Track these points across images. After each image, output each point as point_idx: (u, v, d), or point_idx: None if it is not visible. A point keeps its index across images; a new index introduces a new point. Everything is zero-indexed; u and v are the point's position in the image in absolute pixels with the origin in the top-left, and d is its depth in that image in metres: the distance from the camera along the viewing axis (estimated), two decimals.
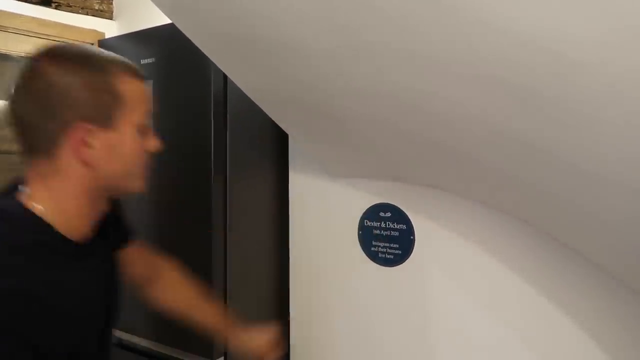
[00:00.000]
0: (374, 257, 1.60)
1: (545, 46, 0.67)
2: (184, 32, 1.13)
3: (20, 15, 2.19)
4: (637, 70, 0.62)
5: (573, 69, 0.68)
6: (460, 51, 0.78)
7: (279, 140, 1.78)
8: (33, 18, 2.23)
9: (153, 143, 0.89)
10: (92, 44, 2.46)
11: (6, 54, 2.19)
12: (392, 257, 1.57)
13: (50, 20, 2.29)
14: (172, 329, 1.61)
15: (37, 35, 2.26)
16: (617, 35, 0.60)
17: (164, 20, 1.56)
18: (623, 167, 0.80)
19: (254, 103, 1.36)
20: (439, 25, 0.74)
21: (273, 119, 1.45)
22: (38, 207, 0.74)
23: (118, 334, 1.75)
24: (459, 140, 1.09)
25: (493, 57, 0.75)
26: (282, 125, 1.49)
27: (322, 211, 1.71)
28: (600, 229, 1.06)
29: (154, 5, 1.09)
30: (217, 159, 1.54)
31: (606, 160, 0.82)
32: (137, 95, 0.83)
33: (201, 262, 1.53)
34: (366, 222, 1.61)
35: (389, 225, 1.57)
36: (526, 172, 1.04)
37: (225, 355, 1.55)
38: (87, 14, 2.46)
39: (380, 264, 1.59)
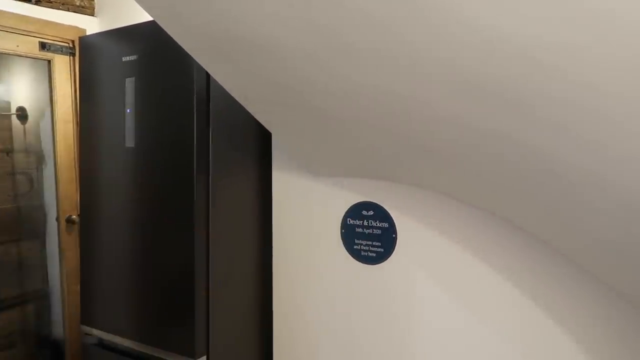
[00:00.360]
0: (356, 255, 1.61)
1: (525, 49, 0.68)
2: (166, 30, 1.13)
3: (0, 11, 2.15)
4: (613, 73, 0.64)
5: (552, 73, 0.69)
6: (441, 53, 0.79)
7: (262, 139, 1.78)
8: (13, 14, 2.19)
9: None
10: (73, 41, 2.43)
11: None
12: (374, 255, 1.58)
13: (30, 17, 2.26)
14: (154, 329, 1.60)
15: (17, 32, 2.23)
16: (592, 40, 0.61)
17: (146, 17, 1.55)
18: (605, 170, 0.82)
19: (237, 101, 1.36)
20: (419, 27, 0.75)
21: (256, 117, 1.45)
22: None
23: (99, 334, 1.74)
24: (441, 141, 1.11)
25: (474, 59, 0.76)
26: (265, 124, 1.49)
27: (305, 210, 1.72)
28: (581, 228, 1.08)
29: (136, 2, 1.08)
30: (199, 157, 1.54)
31: (589, 162, 0.83)
32: None
33: (183, 261, 1.53)
34: (349, 221, 1.62)
35: (371, 223, 1.58)
36: (508, 172, 1.06)
37: (207, 354, 1.54)
38: (68, 10, 2.43)
39: (363, 262, 1.60)
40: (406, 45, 0.81)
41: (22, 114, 2.59)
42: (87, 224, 1.81)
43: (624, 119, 0.69)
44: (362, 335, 1.62)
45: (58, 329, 2.51)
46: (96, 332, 1.75)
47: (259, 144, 1.78)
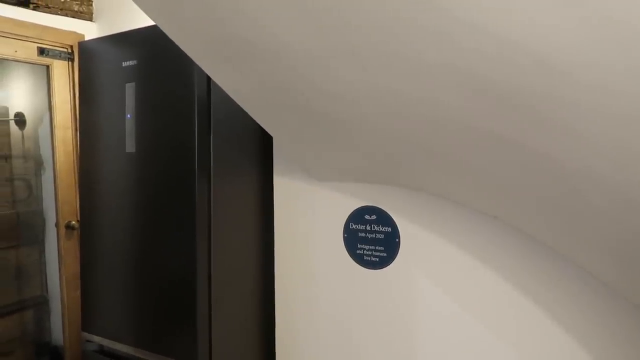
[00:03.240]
0: (359, 260, 1.60)
1: (532, 49, 0.68)
2: (167, 34, 1.12)
3: None
4: (619, 75, 0.63)
5: (559, 74, 0.69)
6: (448, 54, 0.78)
7: (263, 143, 1.77)
8: (11, 19, 2.18)
9: None
10: (72, 46, 2.42)
11: None
12: (377, 259, 1.57)
13: (28, 22, 2.25)
14: (156, 335, 1.59)
15: (15, 37, 2.22)
16: (600, 40, 0.61)
17: (145, 22, 1.54)
18: (604, 167, 0.82)
19: (238, 105, 1.35)
20: (425, 27, 0.74)
21: (257, 121, 1.44)
22: None
23: (100, 340, 1.72)
24: (446, 143, 1.10)
25: (481, 60, 0.75)
26: (267, 128, 1.48)
27: (307, 214, 1.71)
28: (583, 230, 1.07)
29: (135, 6, 1.07)
30: (201, 162, 1.52)
31: (589, 161, 0.83)
32: None
33: (185, 267, 1.52)
34: (351, 225, 1.61)
35: (374, 228, 1.57)
36: (513, 176, 1.05)
37: (210, 358, 1.53)
38: (66, 15, 2.42)
39: (366, 267, 1.59)
40: (414, 50, 0.81)
41: (20, 119, 2.58)
42: (87, 229, 1.79)
43: (636, 121, 0.68)
44: (364, 340, 1.61)
45: (58, 336, 2.48)
46: (97, 338, 1.73)
47: (260, 149, 1.77)
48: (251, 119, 1.41)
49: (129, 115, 1.65)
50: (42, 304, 2.55)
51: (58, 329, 2.47)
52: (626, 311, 1.22)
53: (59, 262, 2.40)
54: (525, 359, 1.36)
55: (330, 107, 1.17)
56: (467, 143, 1.04)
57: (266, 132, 1.53)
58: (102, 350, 1.72)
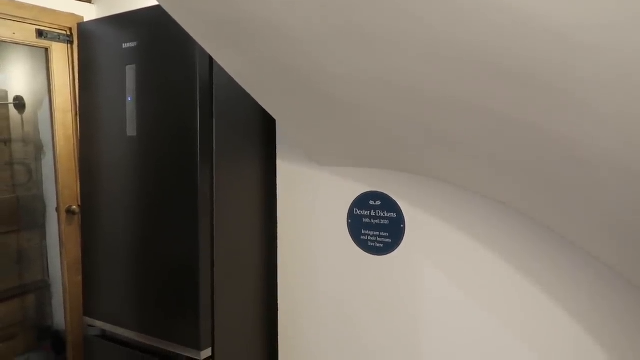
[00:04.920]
0: (363, 246, 1.59)
1: (547, 28, 0.65)
2: (171, 14, 1.09)
3: None
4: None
5: (575, 52, 0.66)
6: (458, 33, 0.75)
7: (267, 127, 1.74)
8: (8, 0, 2.14)
9: None
10: (71, 28, 2.38)
11: None
12: (382, 245, 1.55)
13: (26, 3, 2.21)
14: (158, 320, 1.58)
15: (13, 19, 2.18)
16: (622, 19, 0.58)
17: (144, 3, 1.51)
18: (615, 150, 0.80)
19: (241, 88, 1.32)
20: (435, 5, 0.71)
21: (261, 104, 1.41)
22: None
23: (102, 325, 1.71)
24: (453, 125, 1.08)
25: (492, 39, 0.73)
26: (270, 111, 1.46)
27: (311, 199, 1.69)
28: (589, 210, 1.06)
29: None
30: (203, 146, 1.50)
31: (599, 143, 0.81)
32: None
33: (187, 252, 1.50)
34: (356, 211, 1.59)
35: (378, 213, 1.55)
36: (522, 156, 1.03)
37: (212, 345, 1.52)
38: None
39: (370, 253, 1.58)
40: (423, 26, 0.78)
41: (19, 103, 2.55)
42: (88, 214, 1.78)
43: None
44: (368, 325, 1.60)
45: (59, 320, 2.48)
46: (99, 323, 1.72)
47: (263, 133, 1.74)
48: (254, 102, 1.39)
49: (129, 98, 1.62)
50: (43, 288, 2.55)
51: (60, 314, 2.47)
52: (631, 294, 1.21)
53: (60, 247, 2.39)
54: (530, 344, 1.36)
55: (335, 89, 1.14)
56: (476, 125, 1.02)
57: (269, 116, 1.51)
58: (104, 335, 1.72)
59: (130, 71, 1.62)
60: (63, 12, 2.36)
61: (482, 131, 1.02)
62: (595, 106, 0.73)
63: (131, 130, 1.63)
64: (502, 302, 1.39)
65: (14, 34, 2.20)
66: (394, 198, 1.53)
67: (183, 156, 1.52)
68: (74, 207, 2.38)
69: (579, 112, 0.76)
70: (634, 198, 0.88)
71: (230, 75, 1.28)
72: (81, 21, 2.39)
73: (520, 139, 0.96)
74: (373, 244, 1.57)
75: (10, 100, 2.48)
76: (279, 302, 1.79)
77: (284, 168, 1.75)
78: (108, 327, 1.70)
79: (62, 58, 2.38)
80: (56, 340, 2.51)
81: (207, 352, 1.51)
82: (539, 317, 1.34)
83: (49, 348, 2.52)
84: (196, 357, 1.49)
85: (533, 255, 1.33)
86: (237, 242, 1.64)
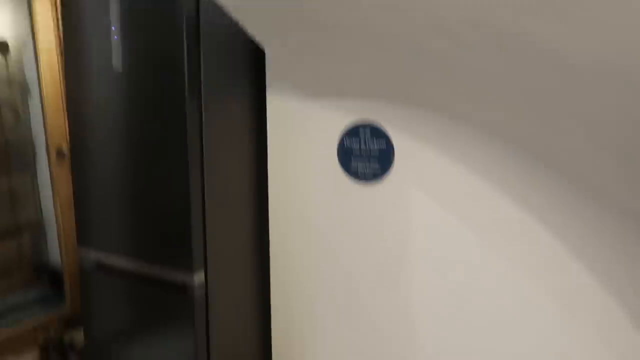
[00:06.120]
0: (353, 175, 1.61)
1: None
2: None
3: None
4: None
5: None
6: None
7: (255, 60, 1.72)
8: None
9: None
10: None
11: None
12: (372, 175, 1.58)
13: None
14: (152, 247, 1.62)
15: None
16: None
17: None
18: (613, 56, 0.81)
19: (229, 18, 1.30)
20: None
21: (250, 31, 1.40)
22: None
23: (96, 255, 1.75)
24: (450, 45, 1.07)
25: None
26: (259, 39, 1.44)
27: (300, 130, 1.70)
28: (589, 128, 1.07)
29: None
30: (190, 79, 1.48)
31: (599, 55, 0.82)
32: None
33: (178, 182, 1.52)
34: (345, 140, 1.61)
35: (368, 143, 1.57)
36: (520, 75, 1.04)
37: (205, 268, 1.56)
38: None
39: (360, 182, 1.60)
40: None
41: (2, 44, 2.49)
42: (78, 152, 1.78)
43: None
44: (358, 257, 1.65)
45: (55, 257, 2.53)
46: (94, 253, 1.76)
47: (252, 66, 1.73)
48: (242, 33, 1.37)
49: (115, 33, 1.59)
50: (37, 227, 2.57)
51: (55, 251, 2.51)
52: (622, 220, 1.24)
53: (52, 188, 2.40)
54: (529, 282, 1.39)
55: (329, 10, 1.13)
56: (476, 44, 1.02)
57: (258, 48, 1.49)
58: (99, 266, 1.75)
59: (114, 4, 1.58)
60: None
61: (477, 50, 1.02)
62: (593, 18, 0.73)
63: (118, 64, 1.61)
64: (498, 236, 1.40)
65: None
66: (384, 127, 1.54)
67: (171, 89, 1.50)
68: (64, 147, 2.38)
69: (576, 23, 0.76)
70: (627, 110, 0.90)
71: (217, 7, 1.24)
72: None
73: (516, 57, 0.96)
74: (363, 174, 1.59)
75: None
76: (270, 233, 1.83)
77: (273, 101, 1.74)
78: (103, 257, 1.73)
79: None
80: (53, 276, 2.56)
81: (200, 276, 1.55)
82: (536, 249, 1.36)
83: (46, 284, 2.58)
84: (189, 281, 1.53)
85: (527, 183, 1.34)
86: (227, 170, 1.66)
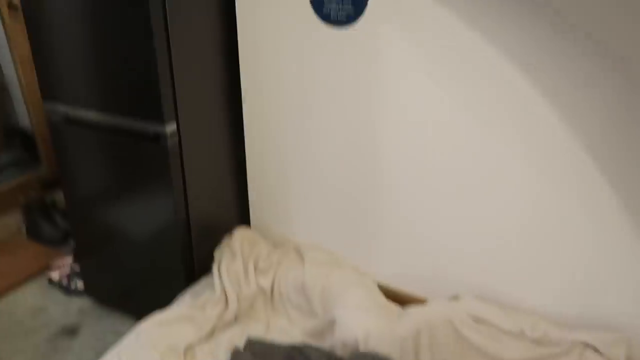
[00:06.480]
0: (326, 19, 1.52)
1: None
2: None
3: None
4: None
5: None
6: None
7: None
8: None
9: None
10: None
11: None
12: (345, 17, 1.49)
13: None
14: (121, 99, 1.56)
15: None
16: None
17: None
18: None
19: None
20: None
21: None
22: None
23: (64, 109, 1.69)
24: None
25: None
26: None
27: None
28: None
29: None
30: None
31: None
32: None
33: (142, 43, 1.41)
34: None
35: None
36: None
37: (176, 119, 1.53)
38: None
39: (333, 26, 1.52)
40: None
41: None
42: (30, 6, 1.62)
43: None
44: (331, 102, 1.62)
45: (24, 119, 2.46)
46: (61, 107, 1.70)
47: None
48: None
49: None
50: (1, 90, 2.47)
51: (23, 112, 2.44)
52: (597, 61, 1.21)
53: (8, 45, 2.26)
54: (510, 142, 1.38)
55: None
56: None
57: None
58: (68, 119, 1.70)
59: None
60: None
61: None
62: None
63: None
64: (477, 87, 1.36)
65: None
66: None
67: None
68: (15, 1, 2.19)
69: None
70: None
71: None
72: None
73: None
74: (336, 17, 1.50)
75: None
76: (241, 81, 1.77)
77: None
78: (71, 111, 1.68)
79: None
80: (25, 139, 2.52)
81: (172, 126, 1.53)
82: (522, 114, 1.33)
83: (19, 147, 2.55)
84: (161, 130, 1.51)
85: (521, 36, 1.26)
86: (192, 17, 1.54)
